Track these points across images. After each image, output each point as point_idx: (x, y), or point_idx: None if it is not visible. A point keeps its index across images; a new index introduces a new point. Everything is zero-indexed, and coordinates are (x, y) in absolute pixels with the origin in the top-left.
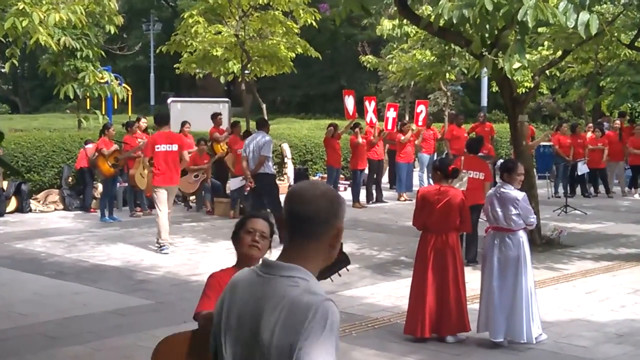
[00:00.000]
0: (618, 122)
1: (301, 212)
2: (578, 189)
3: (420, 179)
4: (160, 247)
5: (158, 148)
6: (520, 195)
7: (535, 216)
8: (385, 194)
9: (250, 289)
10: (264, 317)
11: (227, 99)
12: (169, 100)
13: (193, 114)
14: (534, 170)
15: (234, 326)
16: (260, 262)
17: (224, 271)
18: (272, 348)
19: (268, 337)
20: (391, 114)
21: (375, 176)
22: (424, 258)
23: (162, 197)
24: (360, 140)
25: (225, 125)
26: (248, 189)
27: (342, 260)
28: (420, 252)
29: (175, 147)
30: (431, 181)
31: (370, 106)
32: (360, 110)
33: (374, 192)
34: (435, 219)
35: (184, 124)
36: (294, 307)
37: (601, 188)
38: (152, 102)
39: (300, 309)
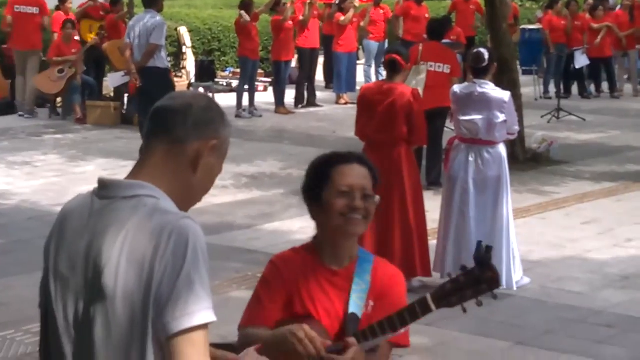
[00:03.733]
0: None
1: (166, 107)
2: (575, 87)
3: (367, 75)
4: None
5: (17, 9)
6: (507, 95)
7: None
8: (319, 95)
9: (82, 220)
10: (103, 254)
11: None
12: None
13: None
14: (517, 62)
15: (65, 271)
16: (98, 181)
17: (291, 253)
18: (118, 293)
19: (111, 280)
20: None
21: (308, 71)
22: None
23: (17, 62)
24: (287, 16)
25: None
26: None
27: (487, 280)
28: None
29: (36, 10)
30: (380, 77)
31: None
32: None
33: (305, 92)
34: (376, 126)
35: None
36: (140, 234)
37: (605, 86)
38: None
39: (148, 235)
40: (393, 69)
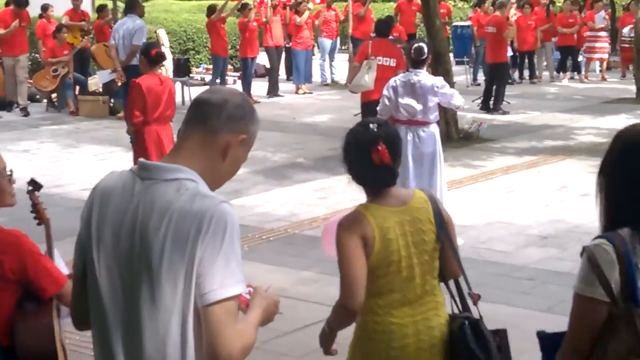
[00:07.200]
0: None
1: (205, 99)
2: None
3: (322, 68)
4: None
5: None
6: (439, 81)
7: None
8: (281, 86)
9: (125, 197)
10: (149, 232)
11: None
12: None
13: None
14: (450, 54)
15: (110, 243)
16: (138, 163)
17: None
18: (164, 267)
19: (157, 256)
20: None
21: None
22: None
23: None
24: (251, 18)
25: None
26: (119, 83)
27: None
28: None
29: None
30: (334, 70)
31: None
32: None
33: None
34: (164, 108)
35: (45, 8)
36: (184, 216)
37: (526, 73)
38: None
39: (191, 218)
40: (158, 60)
